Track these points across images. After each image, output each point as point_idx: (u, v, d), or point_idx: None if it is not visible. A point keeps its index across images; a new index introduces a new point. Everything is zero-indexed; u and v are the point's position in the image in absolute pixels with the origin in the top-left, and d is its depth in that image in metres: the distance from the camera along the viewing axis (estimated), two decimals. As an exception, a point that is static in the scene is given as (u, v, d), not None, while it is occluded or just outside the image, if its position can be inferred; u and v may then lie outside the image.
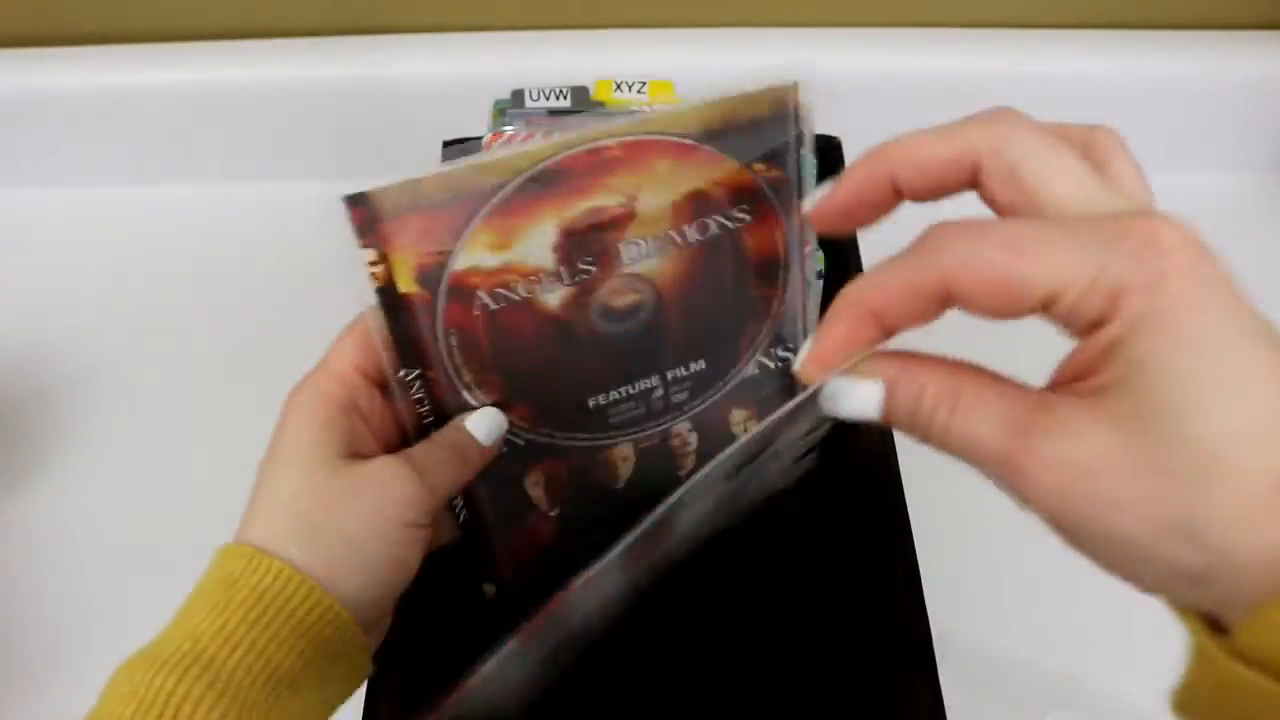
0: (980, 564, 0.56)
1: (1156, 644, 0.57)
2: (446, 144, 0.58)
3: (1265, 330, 0.23)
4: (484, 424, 0.37)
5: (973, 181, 0.26)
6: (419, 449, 0.36)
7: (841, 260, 0.51)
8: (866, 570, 0.48)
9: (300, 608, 0.31)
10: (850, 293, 0.26)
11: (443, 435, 0.37)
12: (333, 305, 0.73)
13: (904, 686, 0.41)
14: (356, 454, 0.35)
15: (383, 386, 0.36)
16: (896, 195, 0.27)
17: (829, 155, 0.55)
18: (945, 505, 0.51)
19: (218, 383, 0.65)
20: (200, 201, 0.74)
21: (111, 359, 0.66)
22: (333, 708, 0.34)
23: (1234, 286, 0.23)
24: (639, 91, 0.52)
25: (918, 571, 0.42)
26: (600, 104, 0.52)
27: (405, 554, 0.34)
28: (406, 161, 0.74)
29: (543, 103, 0.52)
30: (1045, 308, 0.23)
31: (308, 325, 0.67)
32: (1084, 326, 0.23)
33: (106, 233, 0.73)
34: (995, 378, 0.25)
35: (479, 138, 0.52)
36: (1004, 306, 0.23)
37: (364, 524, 0.33)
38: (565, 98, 0.52)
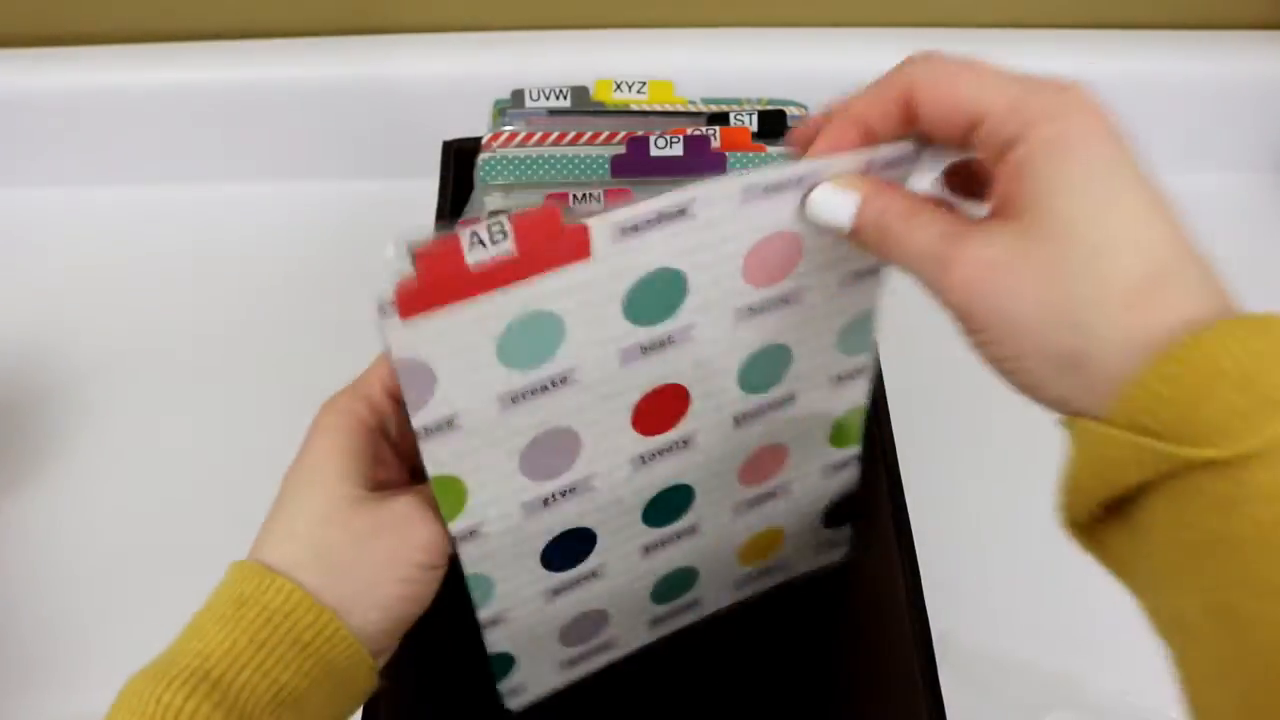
0: (980, 564, 0.56)
1: (1156, 644, 0.57)
2: (446, 144, 0.58)
3: (1142, 167, 0.28)
4: None
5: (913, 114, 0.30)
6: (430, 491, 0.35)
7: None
8: (866, 570, 0.48)
9: (308, 631, 0.31)
10: (840, 104, 0.32)
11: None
12: (333, 305, 0.74)
13: (904, 686, 0.41)
14: (381, 481, 0.35)
15: None
16: (871, 138, 0.32)
17: (829, 155, 0.55)
18: (945, 505, 0.51)
19: (218, 383, 0.65)
20: (200, 201, 0.75)
21: (111, 359, 0.66)
22: None
23: (1124, 137, 0.28)
24: (639, 91, 0.52)
25: (918, 571, 0.42)
26: (600, 104, 0.52)
27: (420, 592, 0.34)
28: (406, 161, 0.74)
29: (543, 103, 0.52)
30: (974, 128, 0.29)
31: (308, 325, 0.67)
32: (999, 148, 0.28)
33: (106, 233, 0.73)
34: (945, 204, 0.31)
35: (479, 138, 0.52)
36: (945, 118, 0.29)
37: (383, 566, 0.33)
38: (565, 98, 0.52)
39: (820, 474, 0.44)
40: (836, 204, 0.32)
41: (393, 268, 0.29)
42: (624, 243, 0.31)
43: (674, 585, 0.45)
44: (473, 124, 0.56)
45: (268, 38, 0.71)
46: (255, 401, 0.63)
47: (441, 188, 0.56)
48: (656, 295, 0.33)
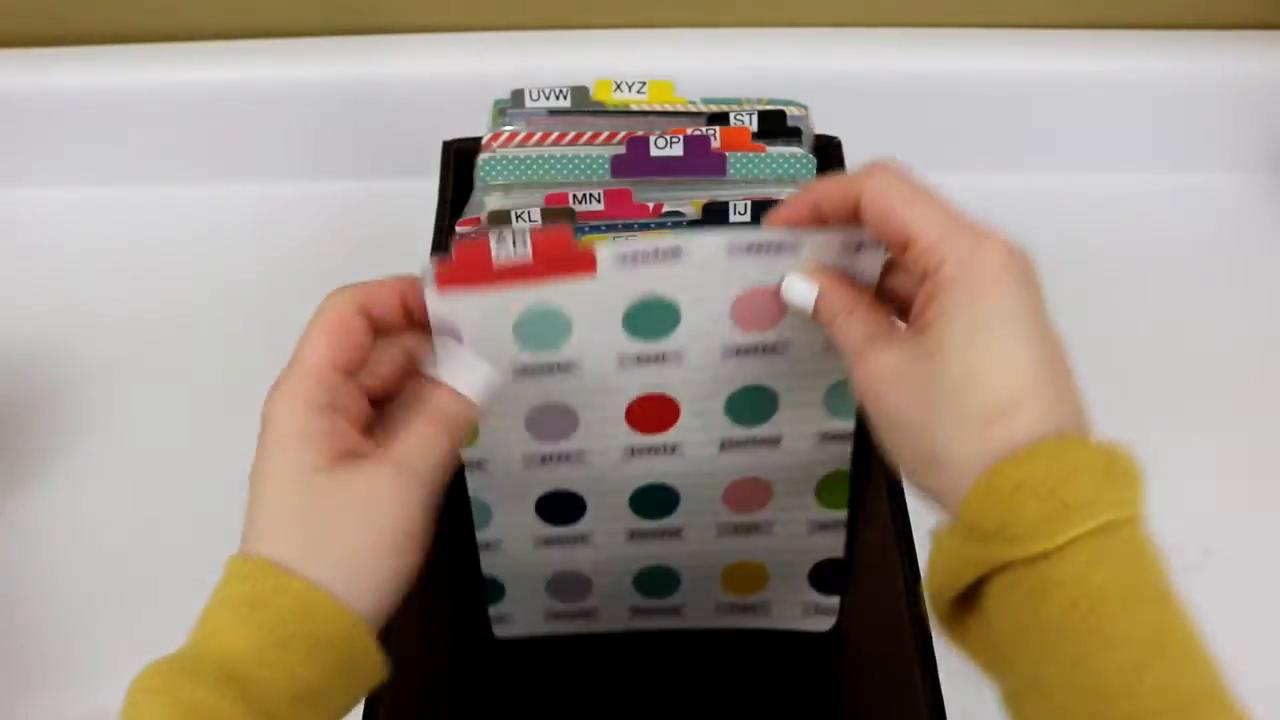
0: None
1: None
2: (446, 144, 0.58)
3: (1028, 310, 0.32)
4: (477, 382, 0.37)
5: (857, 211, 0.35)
6: (402, 444, 0.35)
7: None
8: (866, 570, 0.48)
9: (323, 627, 0.32)
10: (808, 187, 0.37)
11: (426, 407, 0.36)
12: (333, 305, 0.72)
13: (904, 686, 0.41)
14: (345, 453, 0.34)
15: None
16: (821, 220, 0.36)
17: (829, 155, 0.55)
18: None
19: (217, 383, 0.65)
20: (200, 201, 0.75)
21: (111, 359, 0.66)
22: (346, 711, 0.35)
23: (1027, 287, 0.32)
24: (639, 91, 0.52)
25: (918, 571, 0.43)
26: (600, 104, 0.52)
27: (412, 557, 0.35)
28: (406, 162, 0.74)
29: (543, 103, 0.52)
30: (904, 249, 0.33)
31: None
32: (921, 274, 0.33)
33: (107, 233, 0.73)
34: (882, 307, 0.36)
35: (479, 138, 0.52)
36: (882, 233, 0.34)
37: (370, 539, 0.34)
38: (565, 98, 0.52)
39: (805, 526, 0.48)
40: (802, 290, 0.37)
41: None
42: (625, 269, 0.37)
43: (657, 581, 0.49)
44: (473, 124, 0.56)
45: (267, 38, 0.71)
46: (255, 401, 0.63)
47: (441, 188, 0.56)
48: (652, 317, 0.39)
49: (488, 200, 0.51)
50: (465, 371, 0.37)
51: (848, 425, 0.44)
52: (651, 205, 0.49)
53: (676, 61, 0.69)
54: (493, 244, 0.36)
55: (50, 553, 0.58)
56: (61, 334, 0.68)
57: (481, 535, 0.47)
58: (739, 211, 0.49)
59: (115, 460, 0.62)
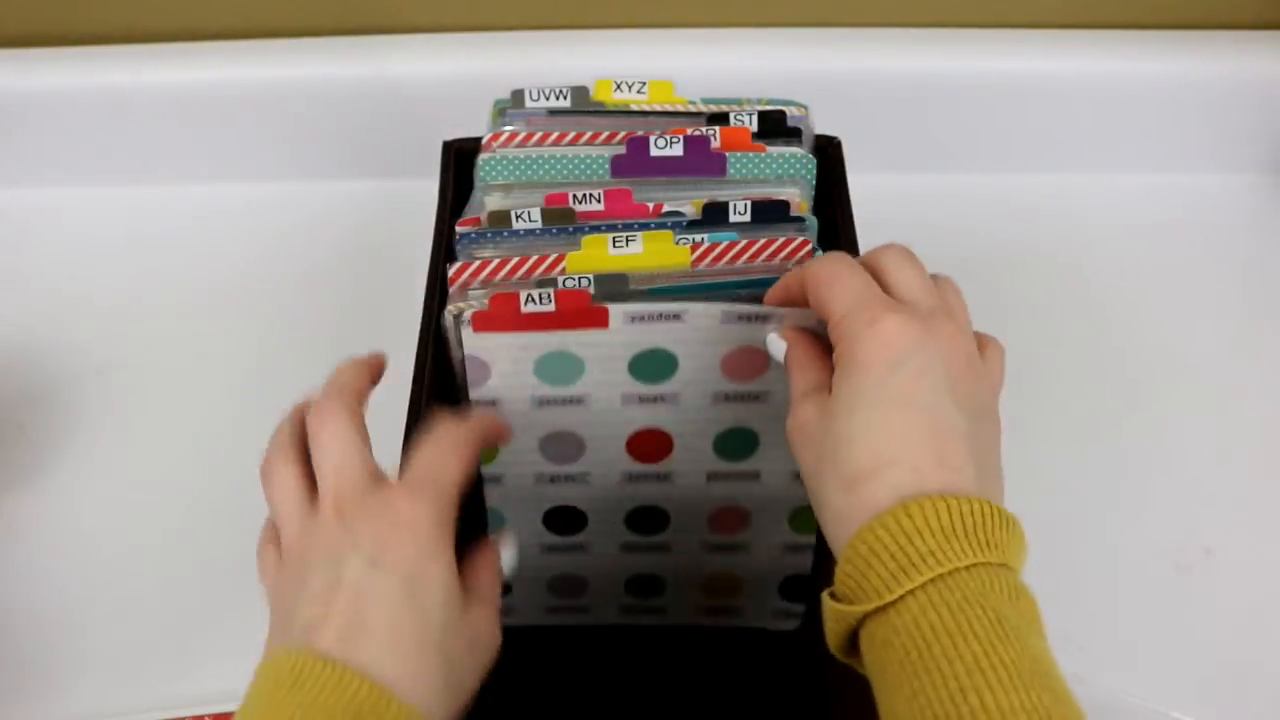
0: (980, 564, 0.56)
1: (1156, 645, 0.57)
2: (446, 144, 0.58)
3: (904, 393, 0.35)
4: (509, 553, 0.42)
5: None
6: (489, 589, 0.39)
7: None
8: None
9: None
10: (784, 277, 0.42)
11: (487, 559, 0.40)
12: (333, 305, 0.74)
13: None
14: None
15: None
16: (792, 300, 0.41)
17: (829, 155, 0.55)
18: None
19: (217, 383, 0.65)
20: (200, 201, 0.75)
21: (111, 359, 0.66)
22: None
23: (904, 367, 0.35)
24: (639, 91, 0.52)
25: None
26: (600, 104, 0.52)
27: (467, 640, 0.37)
28: (406, 161, 0.74)
29: (543, 103, 0.52)
30: (828, 321, 0.38)
31: (308, 325, 0.67)
32: (833, 344, 0.38)
33: (107, 233, 0.73)
34: (827, 370, 0.39)
35: (479, 138, 0.52)
36: (812, 298, 0.39)
37: (477, 672, 0.37)
38: (565, 98, 0.52)
39: (779, 549, 0.52)
40: (777, 345, 0.42)
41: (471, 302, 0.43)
42: (633, 325, 0.44)
43: (645, 586, 0.55)
44: (473, 124, 0.56)
45: (268, 38, 0.71)
46: (256, 401, 0.63)
47: (441, 188, 0.56)
48: (654, 365, 0.45)
49: (488, 200, 0.51)
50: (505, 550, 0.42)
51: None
52: (651, 205, 0.49)
53: (676, 61, 0.69)
54: (521, 300, 0.43)
55: (49, 553, 0.58)
56: (61, 334, 0.68)
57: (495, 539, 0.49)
58: (739, 211, 0.49)
59: (114, 460, 0.62)
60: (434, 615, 0.35)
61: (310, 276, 0.70)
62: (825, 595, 0.36)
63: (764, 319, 0.44)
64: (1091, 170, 0.75)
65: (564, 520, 0.51)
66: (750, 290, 0.45)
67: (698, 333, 0.44)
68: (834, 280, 0.38)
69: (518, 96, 0.53)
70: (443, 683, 0.35)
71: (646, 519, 0.51)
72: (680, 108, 0.52)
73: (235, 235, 0.73)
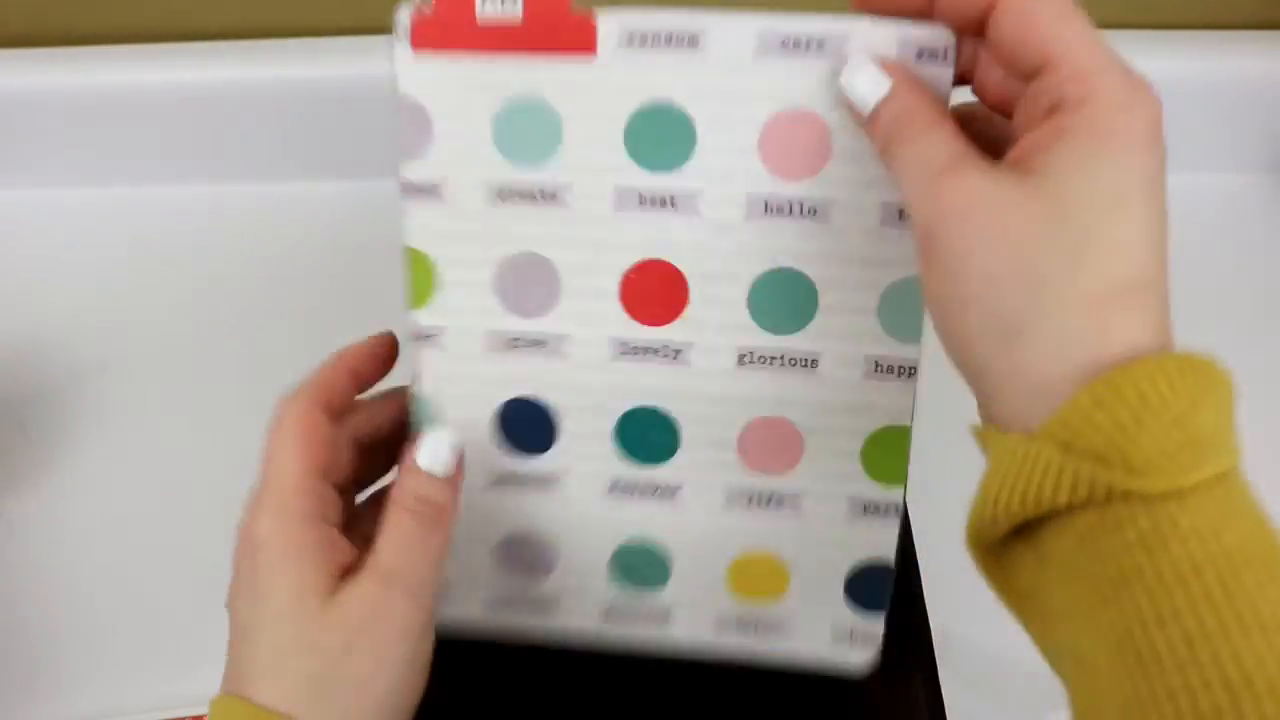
0: (980, 564, 0.56)
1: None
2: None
3: (1162, 182, 0.26)
4: (430, 450, 0.34)
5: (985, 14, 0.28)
6: (389, 552, 0.32)
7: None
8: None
9: None
10: None
11: (400, 506, 0.33)
12: (332, 305, 0.74)
13: (904, 686, 0.41)
14: (341, 568, 0.32)
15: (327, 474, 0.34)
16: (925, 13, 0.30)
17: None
18: (945, 505, 0.50)
19: (218, 383, 0.65)
20: (200, 201, 0.74)
21: (111, 360, 0.66)
22: None
23: (1162, 149, 0.27)
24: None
25: (918, 571, 0.42)
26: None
27: (418, 671, 0.33)
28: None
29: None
30: (1035, 74, 0.27)
31: (307, 325, 0.67)
32: (1050, 103, 0.26)
33: (106, 233, 0.73)
34: (968, 129, 0.29)
35: (479, 138, 0.52)
36: (1013, 48, 0.27)
37: (373, 665, 0.31)
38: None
39: (845, 505, 0.36)
40: (867, 82, 0.29)
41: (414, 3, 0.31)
42: (630, 53, 0.31)
43: (641, 565, 0.38)
44: (473, 124, 0.56)
45: (267, 38, 0.71)
46: (255, 401, 0.63)
47: (441, 188, 0.56)
48: (660, 134, 0.32)
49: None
50: (430, 445, 0.34)
51: (911, 353, 0.34)
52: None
53: (676, 61, 0.68)
54: (478, 2, 0.31)
55: (49, 552, 0.58)
56: (61, 334, 0.68)
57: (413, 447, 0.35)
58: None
59: (114, 460, 0.62)
60: (283, 646, 0.31)
61: (310, 276, 0.70)
62: (1015, 436, 0.26)
63: (824, 45, 0.30)
64: (1091, 170, 0.74)
65: (527, 424, 0.36)
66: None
67: (724, 77, 0.31)
68: (1077, 18, 0.27)
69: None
70: (318, 679, 0.31)
71: (647, 432, 0.35)
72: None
73: (235, 235, 0.73)
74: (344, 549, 0.33)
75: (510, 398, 0.36)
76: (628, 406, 0.35)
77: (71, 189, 0.75)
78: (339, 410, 0.35)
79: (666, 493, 0.36)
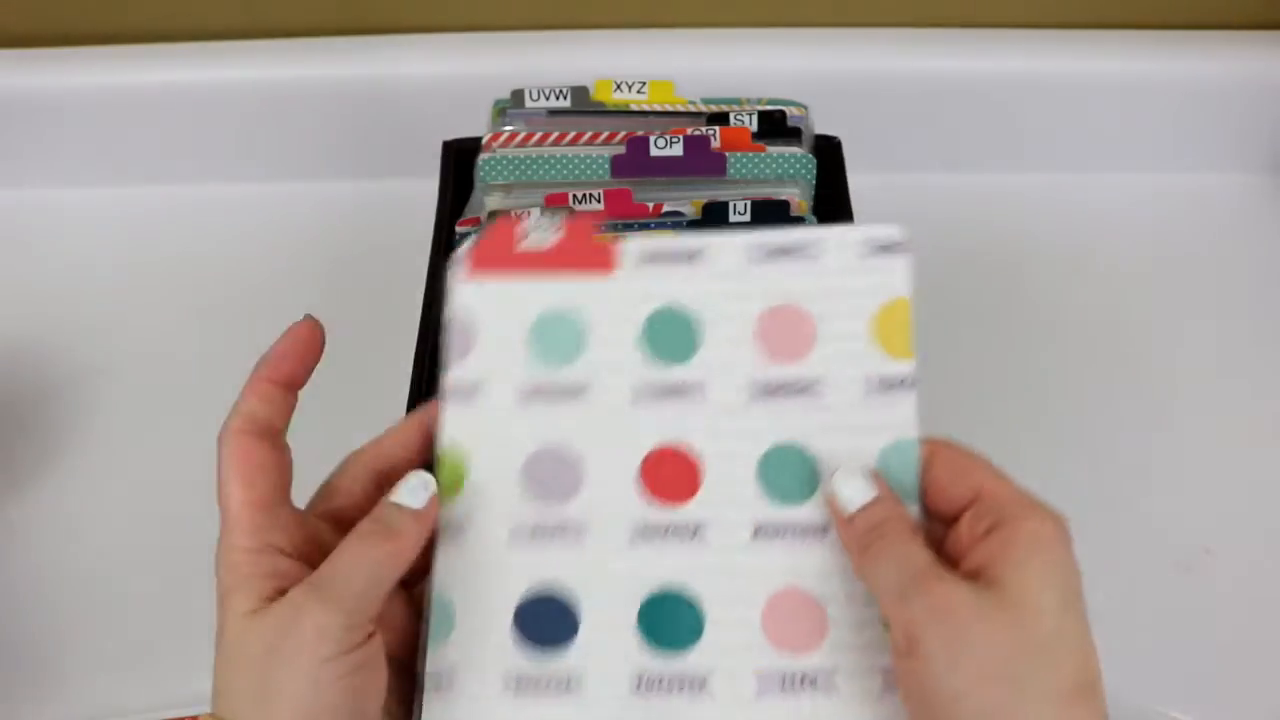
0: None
1: (1156, 645, 0.57)
2: (446, 144, 0.58)
3: (1076, 601, 0.31)
4: (410, 490, 0.35)
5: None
6: (324, 566, 0.32)
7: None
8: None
9: None
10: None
11: (355, 529, 0.33)
12: (333, 305, 0.73)
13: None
14: (280, 591, 0.33)
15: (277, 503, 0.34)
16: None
17: (829, 155, 0.55)
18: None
19: (218, 382, 0.65)
20: (200, 201, 0.75)
21: (111, 359, 0.66)
22: None
23: (1074, 566, 0.32)
24: (639, 91, 0.52)
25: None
26: (600, 104, 0.52)
27: (353, 693, 0.32)
28: (406, 161, 0.74)
29: (543, 103, 0.52)
30: (972, 500, 0.33)
31: (308, 325, 0.67)
32: (988, 524, 0.32)
33: (106, 233, 0.73)
34: (923, 538, 0.33)
35: (479, 138, 0.52)
36: (951, 484, 0.34)
37: (290, 672, 0.31)
38: (565, 98, 0.52)
39: (880, 679, 0.34)
40: (853, 489, 0.34)
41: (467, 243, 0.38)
42: (645, 269, 0.37)
43: None
44: (473, 124, 0.56)
45: (267, 38, 0.71)
46: (255, 401, 0.63)
47: (441, 188, 0.56)
48: (670, 333, 0.36)
49: (488, 200, 0.51)
50: (409, 485, 0.35)
51: (911, 510, 0.35)
52: (651, 205, 0.49)
53: (676, 61, 0.68)
54: (517, 230, 0.37)
55: (50, 552, 0.58)
56: (61, 334, 0.68)
57: (433, 660, 0.35)
58: (739, 211, 0.49)
59: (115, 459, 0.62)
60: (221, 660, 0.32)
61: (310, 276, 0.70)
62: None
63: (804, 251, 0.36)
64: (1091, 170, 0.75)
65: (547, 620, 0.35)
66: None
67: (723, 280, 0.37)
68: (986, 463, 0.34)
69: (518, 96, 0.53)
70: (256, 689, 0.31)
71: (670, 618, 0.35)
72: (680, 108, 0.52)
73: (235, 235, 0.73)
74: (290, 573, 0.33)
75: (530, 593, 0.36)
76: (650, 590, 0.36)
77: (71, 189, 0.75)
78: (279, 425, 0.36)
79: (695, 684, 0.35)
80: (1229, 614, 0.55)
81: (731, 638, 0.35)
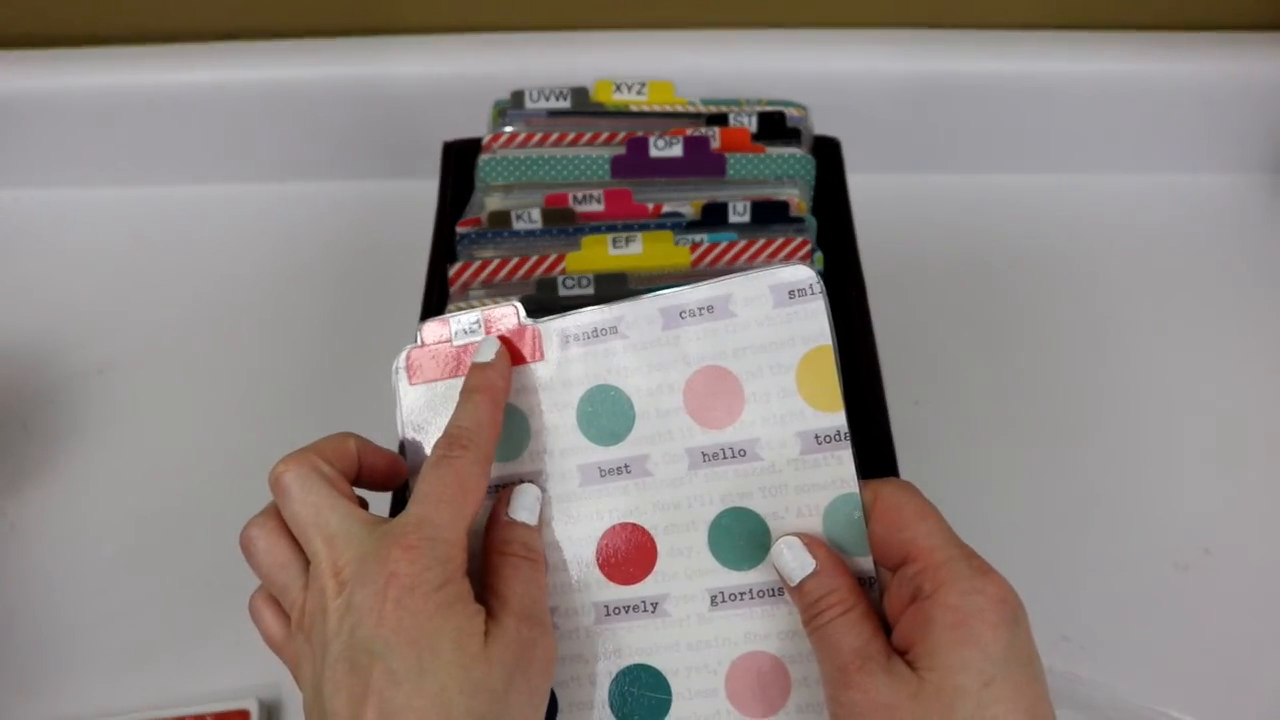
0: (980, 564, 0.56)
1: (1155, 645, 0.57)
2: (447, 144, 0.58)
3: (1029, 662, 0.31)
4: (525, 505, 0.36)
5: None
6: (517, 595, 0.34)
7: (841, 259, 0.51)
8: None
9: None
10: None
11: (512, 554, 0.35)
12: (333, 305, 0.74)
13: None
14: (481, 612, 0.33)
15: None
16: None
17: (829, 155, 0.55)
18: (944, 505, 0.51)
19: (218, 382, 0.65)
20: (200, 201, 0.75)
21: (111, 359, 0.66)
22: None
23: (1023, 629, 0.32)
24: (639, 92, 0.52)
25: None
26: (600, 105, 0.52)
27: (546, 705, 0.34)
28: (406, 161, 0.74)
29: (543, 103, 0.52)
30: (904, 560, 0.33)
31: (308, 325, 0.67)
32: (914, 591, 0.32)
33: (107, 233, 0.73)
34: (875, 615, 0.33)
35: (479, 138, 0.52)
36: (887, 538, 0.34)
37: (526, 698, 0.33)
38: (565, 98, 0.52)
39: None
40: (794, 560, 0.34)
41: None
42: (570, 351, 0.36)
43: None
44: (473, 124, 0.56)
45: (267, 38, 0.71)
46: (256, 401, 0.63)
47: (441, 188, 0.56)
48: (605, 412, 0.36)
49: (488, 200, 0.51)
50: (524, 500, 0.36)
51: (865, 564, 0.35)
52: (651, 205, 0.49)
53: (676, 61, 0.69)
54: (450, 329, 0.38)
55: (51, 552, 0.58)
56: (61, 334, 0.68)
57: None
58: (738, 212, 0.49)
59: (116, 459, 0.62)
60: (450, 689, 0.31)
61: (310, 276, 0.70)
62: None
63: (713, 309, 0.35)
64: (1091, 170, 0.75)
65: None
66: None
67: (644, 351, 0.36)
68: (931, 516, 0.33)
69: (518, 97, 0.53)
70: None
71: (639, 700, 0.37)
72: (680, 108, 0.52)
73: (235, 235, 0.73)
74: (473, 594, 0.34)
75: None
76: (620, 667, 0.37)
77: (71, 189, 0.75)
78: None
79: None
80: (1228, 614, 0.55)
81: (698, 708, 0.36)
